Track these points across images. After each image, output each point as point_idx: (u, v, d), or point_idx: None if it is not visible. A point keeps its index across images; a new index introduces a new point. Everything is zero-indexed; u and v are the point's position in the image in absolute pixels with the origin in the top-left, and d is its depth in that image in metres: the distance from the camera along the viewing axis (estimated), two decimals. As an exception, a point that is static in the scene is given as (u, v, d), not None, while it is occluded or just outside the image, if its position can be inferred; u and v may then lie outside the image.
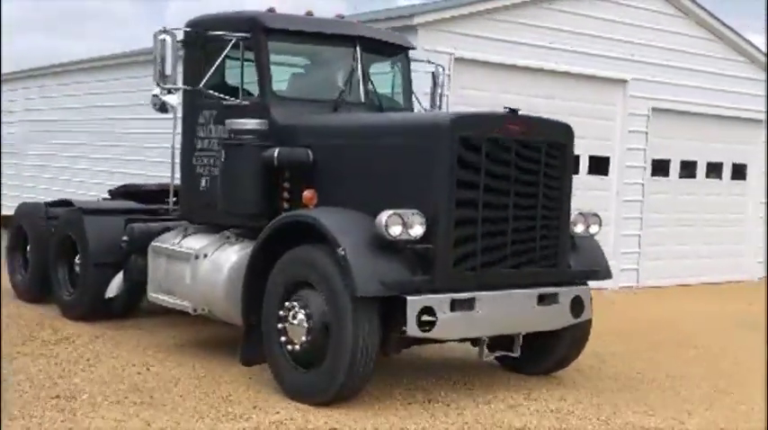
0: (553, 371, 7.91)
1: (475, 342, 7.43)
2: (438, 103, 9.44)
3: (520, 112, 6.91)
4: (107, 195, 11.18)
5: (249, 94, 8.05)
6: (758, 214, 16.09)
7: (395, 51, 8.78)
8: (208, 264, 7.84)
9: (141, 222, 9.16)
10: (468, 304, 6.64)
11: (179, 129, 8.63)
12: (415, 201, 6.59)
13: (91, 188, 15.73)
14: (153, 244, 8.52)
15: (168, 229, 8.80)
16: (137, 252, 8.94)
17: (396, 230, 6.41)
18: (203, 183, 8.32)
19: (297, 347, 6.78)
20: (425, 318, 6.42)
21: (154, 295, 8.50)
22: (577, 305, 7.28)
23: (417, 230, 6.48)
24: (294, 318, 6.78)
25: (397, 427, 6.32)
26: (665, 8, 14.50)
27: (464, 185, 6.63)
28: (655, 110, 14.35)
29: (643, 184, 14.50)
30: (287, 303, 6.86)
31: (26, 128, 19.15)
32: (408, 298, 6.37)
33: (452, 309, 6.55)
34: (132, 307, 9.65)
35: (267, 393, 7.01)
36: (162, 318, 9.48)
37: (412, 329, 6.38)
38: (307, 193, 7.06)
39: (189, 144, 8.48)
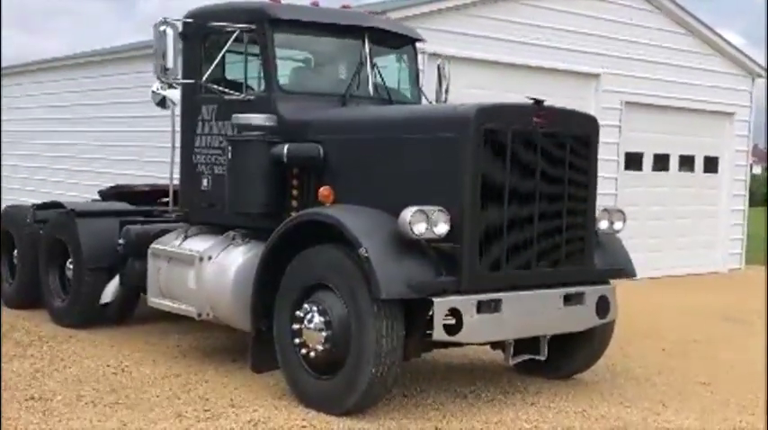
0: (576, 373, 7.61)
1: (496, 345, 7.14)
2: (444, 96, 9.10)
3: (545, 103, 6.58)
4: (96, 196, 10.71)
5: (250, 88, 7.69)
6: (730, 207, 16.28)
7: (402, 43, 8.44)
8: (213, 266, 7.45)
9: (137, 224, 8.77)
10: (495, 305, 6.31)
11: (178, 126, 8.24)
12: (438, 198, 6.24)
13: (71, 189, 15.20)
14: (153, 246, 8.12)
15: (166, 231, 8.40)
16: (133, 255, 8.55)
17: (420, 228, 6.06)
18: (205, 181, 7.93)
19: (314, 353, 6.42)
20: (451, 320, 6.08)
21: (154, 300, 8.10)
22: (603, 305, 6.97)
23: (442, 228, 6.14)
24: (310, 322, 6.41)
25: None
26: (637, 3, 14.65)
27: (489, 180, 6.30)
28: (627, 103, 14.42)
29: (617, 178, 14.48)
30: (302, 307, 6.50)
31: (8, 127, 18.52)
32: (435, 299, 6.02)
33: (479, 310, 6.21)
34: (128, 312, 9.24)
35: (244, 392, 6.90)
36: (143, 320, 9.25)
37: (438, 333, 6.04)
38: (323, 190, 6.68)
39: (189, 141, 8.08)
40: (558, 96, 12.92)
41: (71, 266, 9.17)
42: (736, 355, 9.02)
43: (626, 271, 7.29)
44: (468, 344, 6.67)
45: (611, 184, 14.29)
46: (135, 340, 8.58)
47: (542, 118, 6.53)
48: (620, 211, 7.29)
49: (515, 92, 12.18)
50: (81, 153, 15.85)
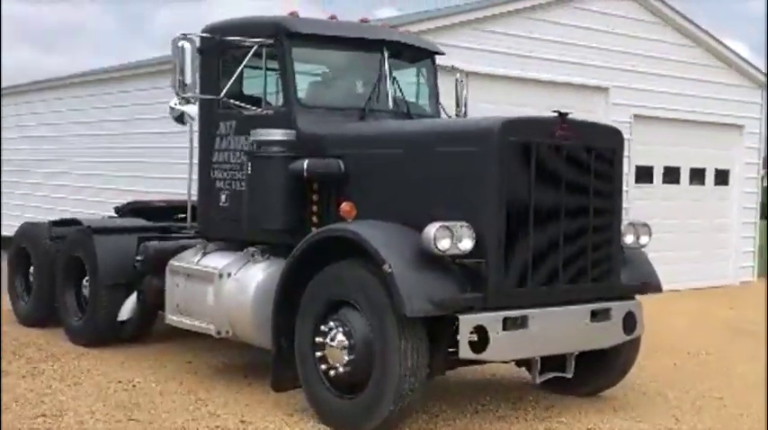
0: (600, 391, 7.47)
1: (521, 362, 7.03)
2: (462, 110, 9.02)
3: (569, 116, 6.47)
4: (113, 213, 10.63)
5: (268, 103, 7.61)
6: (741, 219, 16.19)
7: (421, 56, 8.35)
8: (232, 283, 7.36)
9: (155, 240, 8.68)
10: (521, 322, 6.18)
11: (196, 142, 8.16)
12: (462, 213, 6.13)
13: (89, 206, 15.12)
14: (171, 263, 8.03)
15: (185, 248, 8.32)
16: (151, 272, 8.46)
17: (444, 244, 5.94)
18: (223, 197, 7.85)
19: (336, 372, 6.31)
20: (477, 338, 5.97)
21: (172, 318, 8.01)
22: (630, 321, 6.84)
23: (467, 244, 6.02)
24: (333, 340, 6.31)
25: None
26: (645, 16, 14.63)
27: (514, 194, 6.18)
28: (637, 116, 14.35)
29: (627, 191, 14.26)
30: (325, 324, 6.39)
31: (23, 145, 18.49)
32: (460, 316, 5.90)
33: (504, 327, 6.09)
34: (145, 330, 9.14)
35: (255, 408, 6.86)
36: (155, 338, 9.22)
37: (464, 351, 5.91)
38: (345, 206, 6.58)
39: (206, 157, 8.01)
40: (568, 110, 12.94)
41: (87, 284, 9.09)
42: (748, 368, 8.92)
43: (652, 285, 7.16)
44: (493, 361, 6.53)
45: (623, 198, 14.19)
46: (146, 357, 8.55)
47: (567, 131, 6.42)
48: (646, 225, 7.16)
49: (524, 106, 12.38)
50: (97, 169, 15.77)
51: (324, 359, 6.37)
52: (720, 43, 15.45)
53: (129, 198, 11.55)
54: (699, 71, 15.15)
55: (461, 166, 6.24)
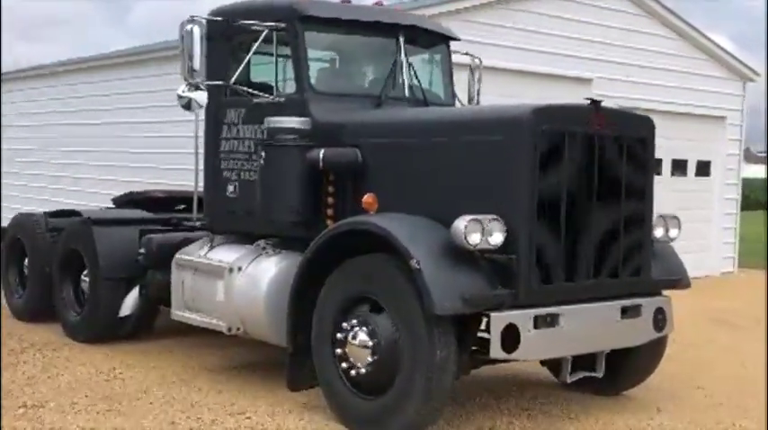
0: (626, 389, 7.20)
1: (545, 362, 6.76)
2: (476, 97, 8.70)
3: (602, 104, 6.18)
4: (110, 204, 10.27)
5: (278, 90, 7.27)
6: (722, 210, 16.21)
7: (436, 41, 8.04)
8: (243, 278, 7.03)
9: (158, 233, 8.34)
10: (552, 320, 5.89)
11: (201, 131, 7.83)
12: (490, 205, 5.81)
13: (84, 198, 14.70)
14: (177, 256, 7.69)
15: (190, 240, 7.99)
16: (154, 266, 8.13)
17: (475, 238, 5.64)
18: (231, 188, 7.52)
19: (358, 372, 6.01)
20: (507, 337, 5.67)
21: (179, 313, 7.67)
22: (660, 317, 6.57)
23: (497, 238, 5.72)
24: (354, 338, 6.00)
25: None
26: (630, 8, 14.56)
27: (545, 186, 5.88)
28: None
29: None
30: (345, 322, 6.08)
31: (19, 134, 17.97)
32: (491, 314, 5.60)
33: (535, 325, 5.80)
34: (146, 326, 8.81)
35: (238, 399, 6.80)
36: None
37: (495, 350, 5.61)
38: (367, 198, 6.25)
39: (213, 146, 7.67)
40: (552, 101, 12.76)
41: (86, 278, 8.75)
42: (730, 359, 8.78)
43: (682, 281, 6.90)
44: (524, 361, 6.25)
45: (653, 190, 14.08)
46: (128, 347, 8.37)
47: (600, 119, 6.13)
48: (676, 218, 6.89)
49: (509, 96, 12.04)
50: (96, 160, 15.32)
51: (344, 358, 6.08)
52: (704, 36, 15.53)
53: (127, 189, 11.18)
54: (682, 63, 15.17)
55: (490, 157, 5.93)
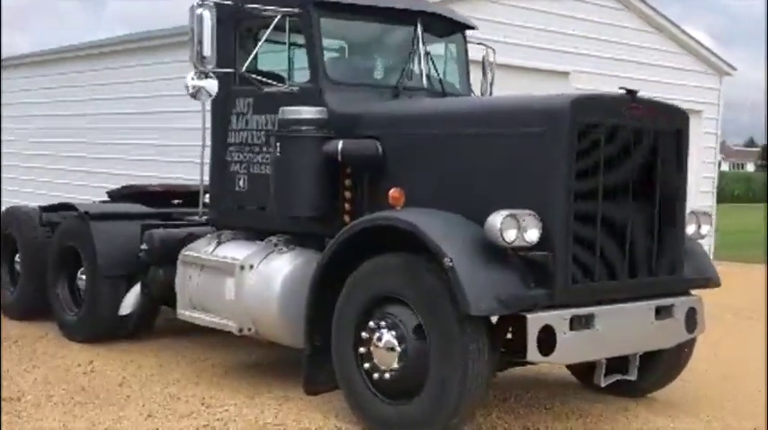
0: (651, 392, 6.93)
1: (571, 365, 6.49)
2: (489, 89, 8.42)
3: (638, 94, 5.90)
4: (106, 197, 9.89)
5: (280, 78, 6.94)
6: (698, 204, 16.09)
7: (453, 30, 7.74)
8: (255, 276, 6.70)
9: (160, 228, 7.99)
10: (587, 321, 5.60)
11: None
12: (523, 200, 5.51)
13: (74, 191, 14.22)
14: (183, 253, 7.34)
15: (194, 236, 7.65)
16: (157, 262, 7.79)
17: (511, 235, 5.34)
18: (240, 182, 7.19)
19: (384, 376, 5.69)
20: (543, 338, 5.38)
21: (185, 313, 7.33)
22: (691, 318, 6.30)
23: (533, 235, 5.42)
24: (380, 340, 5.69)
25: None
26: (608, 1, 14.70)
27: (582, 180, 5.59)
28: None
29: None
30: (370, 323, 5.77)
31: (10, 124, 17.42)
32: (528, 316, 5.31)
33: (571, 327, 5.51)
34: (147, 325, 8.45)
35: (215, 391, 6.77)
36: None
37: (533, 353, 5.31)
38: (394, 192, 5.92)
39: (220, 138, 7.33)
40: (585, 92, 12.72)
41: (83, 276, 8.38)
42: (709, 352, 8.52)
43: (713, 280, 6.64)
44: (560, 364, 5.97)
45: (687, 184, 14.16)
46: (104, 340, 8.18)
47: (636, 110, 5.86)
48: (707, 214, 6.64)
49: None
50: (91, 152, 14.84)
51: (369, 361, 5.76)
52: (680, 29, 15.68)
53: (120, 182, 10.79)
54: (659, 57, 15.30)
55: (525, 149, 5.62)
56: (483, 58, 8.36)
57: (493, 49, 8.42)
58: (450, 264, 5.27)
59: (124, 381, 7.00)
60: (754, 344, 9.27)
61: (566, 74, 13.72)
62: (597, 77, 13.98)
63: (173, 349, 8.01)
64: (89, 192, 12.50)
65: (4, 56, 17.52)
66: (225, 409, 6.30)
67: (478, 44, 8.24)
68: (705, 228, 6.59)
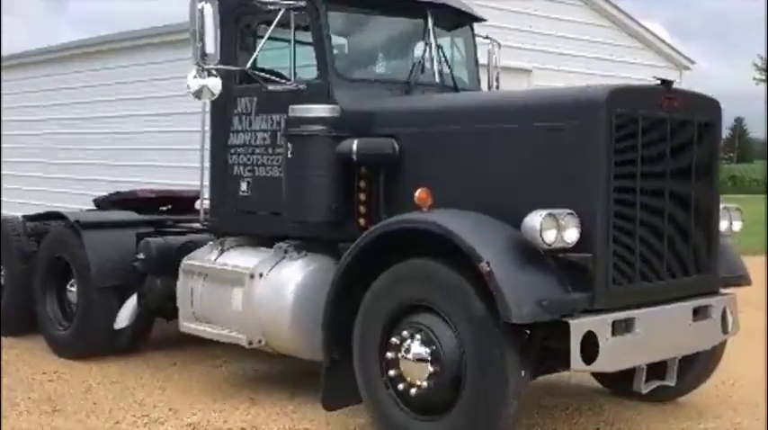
0: (682, 395, 6.63)
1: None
2: (495, 83, 8.10)
3: (674, 85, 5.60)
4: (92, 206, 9.43)
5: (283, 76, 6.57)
6: None
7: (461, 22, 7.40)
8: (265, 285, 6.31)
9: (156, 236, 7.59)
10: (627, 326, 5.28)
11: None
12: (559, 199, 5.19)
13: (64, 199, 13.67)
14: (185, 262, 6.93)
15: (194, 244, 7.25)
16: (154, 272, 7.38)
17: (550, 236, 5.01)
18: (243, 185, 6.80)
19: (412, 389, 5.33)
20: (586, 345, 5.04)
21: (188, 325, 6.91)
22: (726, 318, 6.01)
23: (572, 235, 5.10)
24: (408, 351, 5.32)
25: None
26: None
27: (621, 176, 5.27)
28: None
29: None
30: (396, 333, 5.41)
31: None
32: (571, 322, 4.97)
33: (613, 332, 5.19)
34: (143, 338, 8.03)
35: (183, 396, 6.72)
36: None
37: (576, 362, 4.97)
38: (420, 193, 5.55)
39: (222, 139, 6.94)
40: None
41: (72, 288, 7.94)
42: None
43: (745, 278, 6.36)
44: (603, 372, 5.65)
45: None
46: (98, 355, 7.83)
47: (672, 101, 5.55)
48: (739, 209, 6.34)
49: None
50: (81, 157, 14.33)
51: (397, 374, 5.40)
52: (639, 24, 15.88)
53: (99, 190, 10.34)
54: (620, 52, 15.44)
55: (560, 144, 5.28)
56: (489, 54, 8.04)
57: (498, 44, 8.09)
58: (488, 267, 4.93)
59: (90, 388, 6.89)
60: (754, 343, 8.88)
61: (528, 71, 13.78)
62: (559, 74, 13.96)
63: (139, 355, 7.82)
64: (71, 200, 12.01)
65: None
66: (193, 414, 6.23)
67: (485, 38, 7.92)
68: (737, 224, 6.30)
